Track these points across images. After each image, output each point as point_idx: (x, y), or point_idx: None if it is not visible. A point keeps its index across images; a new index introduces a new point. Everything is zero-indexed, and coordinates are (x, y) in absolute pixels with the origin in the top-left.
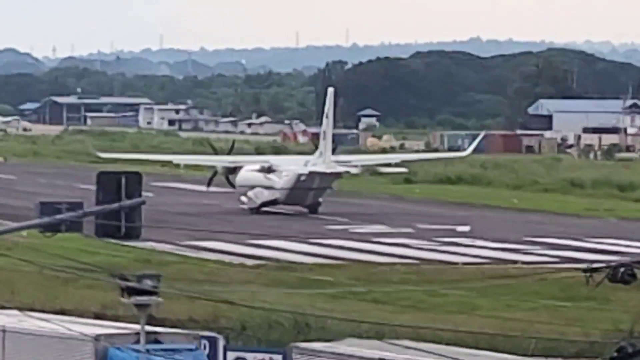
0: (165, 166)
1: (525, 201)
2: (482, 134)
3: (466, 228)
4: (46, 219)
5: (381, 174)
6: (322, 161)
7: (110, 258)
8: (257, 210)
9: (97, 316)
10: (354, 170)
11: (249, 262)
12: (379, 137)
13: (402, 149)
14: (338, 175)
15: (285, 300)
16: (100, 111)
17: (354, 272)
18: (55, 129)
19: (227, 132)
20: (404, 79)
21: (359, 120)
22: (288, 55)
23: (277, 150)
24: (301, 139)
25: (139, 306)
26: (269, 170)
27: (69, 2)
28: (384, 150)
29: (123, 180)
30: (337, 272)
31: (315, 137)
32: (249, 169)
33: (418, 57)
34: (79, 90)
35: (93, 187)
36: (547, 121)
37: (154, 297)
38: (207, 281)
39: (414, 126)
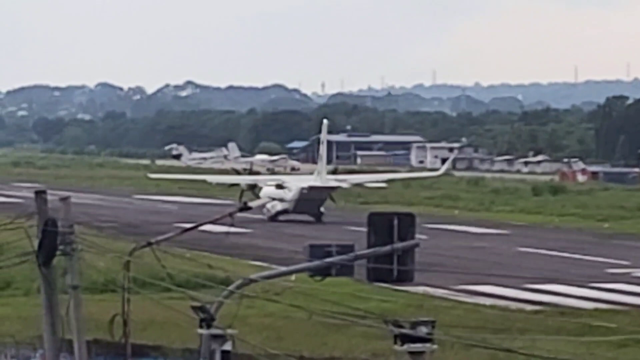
0: (439, 206)
1: None
2: (453, 155)
3: None
4: (316, 263)
5: (368, 188)
6: (320, 179)
7: (381, 304)
8: (273, 219)
9: None
10: (344, 185)
11: (527, 307)
12: None
13: None
14: (332, 189)
15: (566, 348)
16: (371, 149)
17: (638, 318)
18: None
19: (502, 170)
20: None
21: None
22: (566, 90)
23: (555, 190)
24: (580, 178)
25: (412, 354)
26: (281, 186)
27: (338, 37)
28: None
29: (395, 222)
30: (620, 318)
31: (595, 176)
32: (269, 186)
33: None
34: (348, 127)
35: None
36: None
37: (428, 345)
38: (483, 328)
39: None
